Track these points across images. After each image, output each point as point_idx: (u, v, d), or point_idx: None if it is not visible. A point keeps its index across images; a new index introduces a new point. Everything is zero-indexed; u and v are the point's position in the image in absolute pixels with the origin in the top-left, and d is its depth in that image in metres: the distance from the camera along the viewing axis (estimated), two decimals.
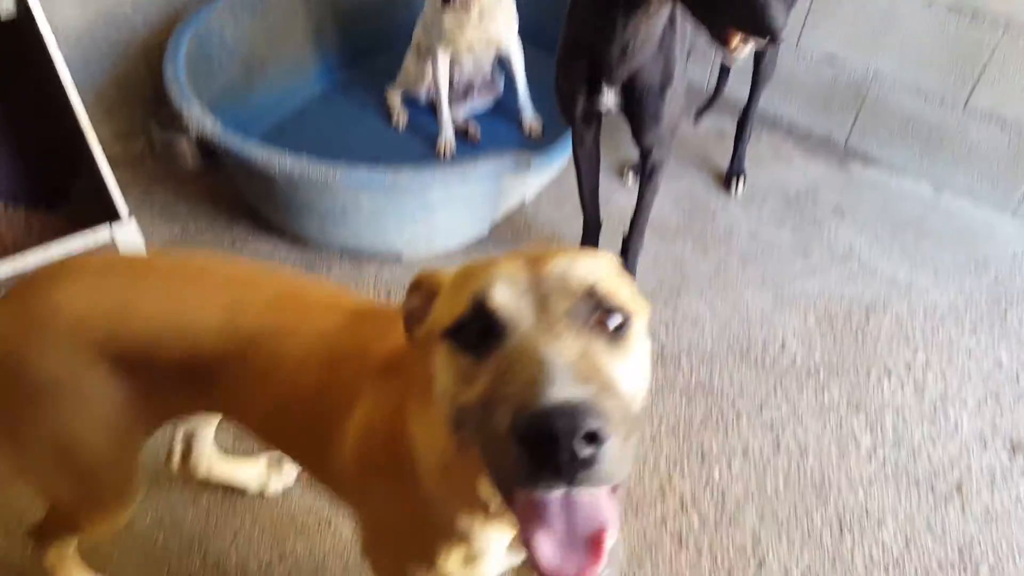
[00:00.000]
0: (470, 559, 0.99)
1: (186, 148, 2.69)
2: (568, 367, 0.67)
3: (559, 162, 2.41)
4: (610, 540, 0.71)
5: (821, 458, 1.89)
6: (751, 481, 1.83)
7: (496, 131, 2.90)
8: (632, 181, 2.76)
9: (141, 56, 2.69)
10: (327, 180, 2.09)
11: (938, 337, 2.23)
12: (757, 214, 2.64)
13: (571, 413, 0.62)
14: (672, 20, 1.84)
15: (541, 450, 0.62)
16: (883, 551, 1.70)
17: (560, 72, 2.02)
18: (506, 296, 0.75)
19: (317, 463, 1.19)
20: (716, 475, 1.84)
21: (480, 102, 2.94)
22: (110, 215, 2.23)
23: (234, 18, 2.68)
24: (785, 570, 1.65)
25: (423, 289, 0.91)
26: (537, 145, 2.65)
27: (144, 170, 2.70)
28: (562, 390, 0.64)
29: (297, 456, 1.24)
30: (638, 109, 1.95)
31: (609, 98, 1.95)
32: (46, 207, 2.38)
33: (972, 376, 2.12)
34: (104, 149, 2.15)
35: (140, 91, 2.75)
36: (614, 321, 0.76)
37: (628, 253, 2.30)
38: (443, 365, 0.79)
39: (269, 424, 1.19)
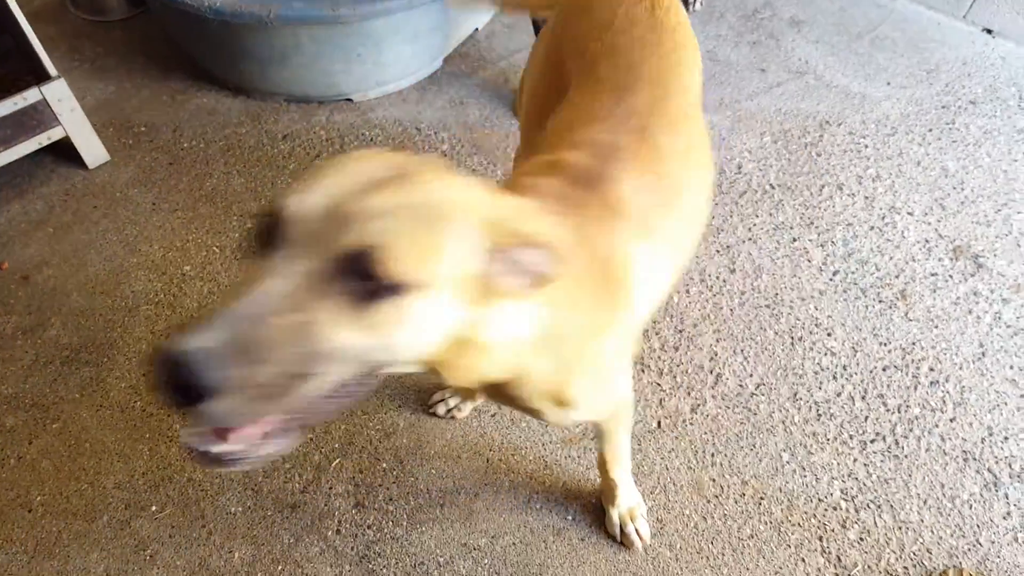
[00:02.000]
0: None
1: None
2: (234, 318, 0.59)
3: None
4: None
5: (775, 276, 1.79)
6: (707, 304, 1.73)
7: None
8: None
9: None
10: (263, 18, 1.78)
11: (888, 148, 2.07)
12: (715, 31, 2.36)
13: (175, 364, 0.57)
14: None
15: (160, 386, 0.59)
16: (832, 358, 1.64)
17: None
18: (292, 212, 0.64)
19: None
20: (674, 299, 1.73)
21: None
22: (38, 75, 1.91)
23: None
24: (740, 383, 1.60)
25: None
26: None
27: (68, 23, 2.32)
28: (197, 339, 0.58)
29: None
30: None
31: None
32: None
33: (920, 185, 1.99)
34: (22, 3, 1.80)
35: None
36: (371, 287, 0.61)
37: None
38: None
39: None
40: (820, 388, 1.59)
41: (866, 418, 1.54)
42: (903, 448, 1.50)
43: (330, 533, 1.41)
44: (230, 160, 1.99)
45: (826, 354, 1.65)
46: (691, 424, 1.54)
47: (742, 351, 1.65)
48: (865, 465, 1.48)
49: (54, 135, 1.87)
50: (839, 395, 1.58)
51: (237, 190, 1.92)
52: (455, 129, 2.10)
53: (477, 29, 2.33)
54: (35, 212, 1.88)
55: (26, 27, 1.83)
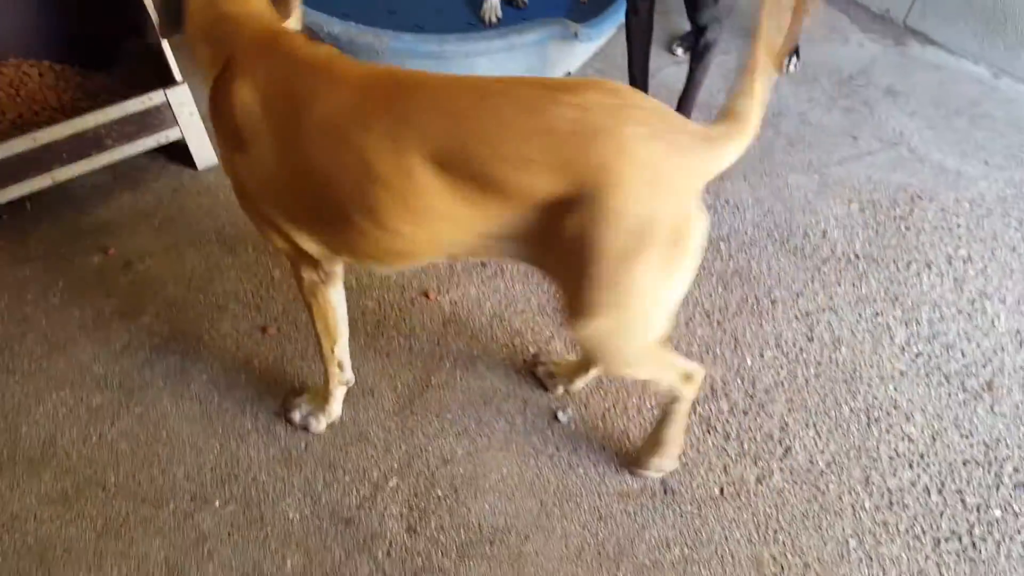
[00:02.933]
0: None
1: None
2: None
3: (608, 32, 2.02)
4: None
5: (854, 349, 1.65)
6: (782, 370, 1.61)
7: None
8: (682, 53, 2.35)
9: None
10: (376, 46, 1.77)
11: (982, 230, 1.91)
12: (807, 94, 2.24)
13: None
14: None
15: None
16: (909, 444, 1.50)
17: None
18: None
19: None
20: (748, 362, 1.62)
21: None
22: (163, 79, 1.95)
23: None
24: (811, 458, 1.47)
25: None
26: (585, 13, 2.24)
27: None
28: None
29: None
30: None
31: None
32: (95, 68, 2.10)
33: (1014, 272, 1.82)
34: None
35: None
36: None
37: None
38: None
39: None
40: (894, 475, 1.45)
41: (941, 513, 1.39)
42: (980, 551, 1.34)
43: (380, 554, 1.34)
44: None
45: (903, 439, 1.50)
46: (755, 496, 1.41)
47: (815, 425, 1.52)
48: (937, 564, 1.32)
49: (171, 136, 1.89)
50: (914, 485, 1.43)
51: None
52: None
53: (569, 73, 2.28)
54: (144, 204, 1.91)
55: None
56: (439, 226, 1.00)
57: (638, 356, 1.13)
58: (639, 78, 1.94)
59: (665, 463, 1.41)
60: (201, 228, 1.85)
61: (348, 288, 1.73)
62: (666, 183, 0.93)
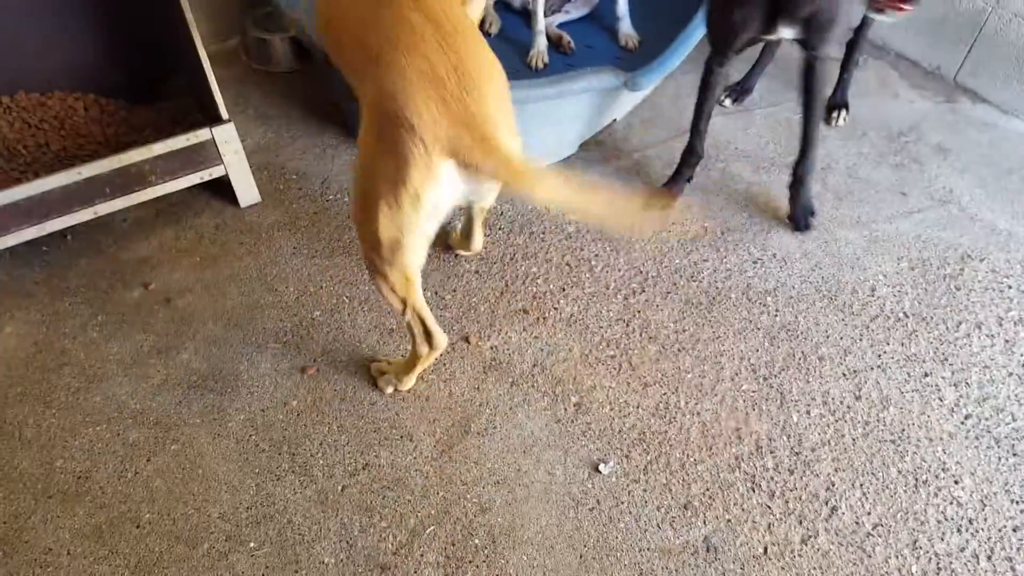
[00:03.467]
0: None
1: (279, 48, 2.56)
2: None
3: (656, 82, 2.21)
4: None
5: (903, 410, 1.77)
6: (829, 428, 1.72)
7: (590, 43, 2.67)
8: (730, 104, 2.54)
9: None
10: None
11: None
12: (856, 149, 2.41)
13: None
14: None
15: None
16: (958, 509, 1.60)
17: (723, 5, 1.87)
18: None
19: None
20: (794, 419, 1.74)
21: (575, 11, 2.71)
22: (209, 115, 2.15)
23: None
24: (857, 519, 1.57)
25: None
26: (634, 60, 2.44)
27: (238, 69, 2.61)
28: None
29: None
30: (814, 36, 1.84)
31: (785, 32, 1.83)
32: (142, 102, 2.32)
33: None
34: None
35: None
36: None
37: (802, 175, 2.12)
38: None
39: None
40: (943, 539, 1.55)
41: None
42: None
43: None
44: None
45: (952, 503, 1.61)
46: (799, 556, 1.52)
47: (861, 485, 1.63)
48: None
49: (215, 172, 2.08)
50: (963, 550, 1.53)
51: None
52: None
53: (615, 120, 2.47)
54: (186, 240, 2.09)
55: (208, 71, 2.07)
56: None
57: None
58: (703, 133, 2.14)
59: (389, 389, 1.79)
60: (242, 265, 2.03)
61: (388, 332, 1.89)
62: None
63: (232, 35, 2.69)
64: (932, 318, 1.97)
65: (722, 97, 2.57)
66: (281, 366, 1.81)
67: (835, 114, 2.48)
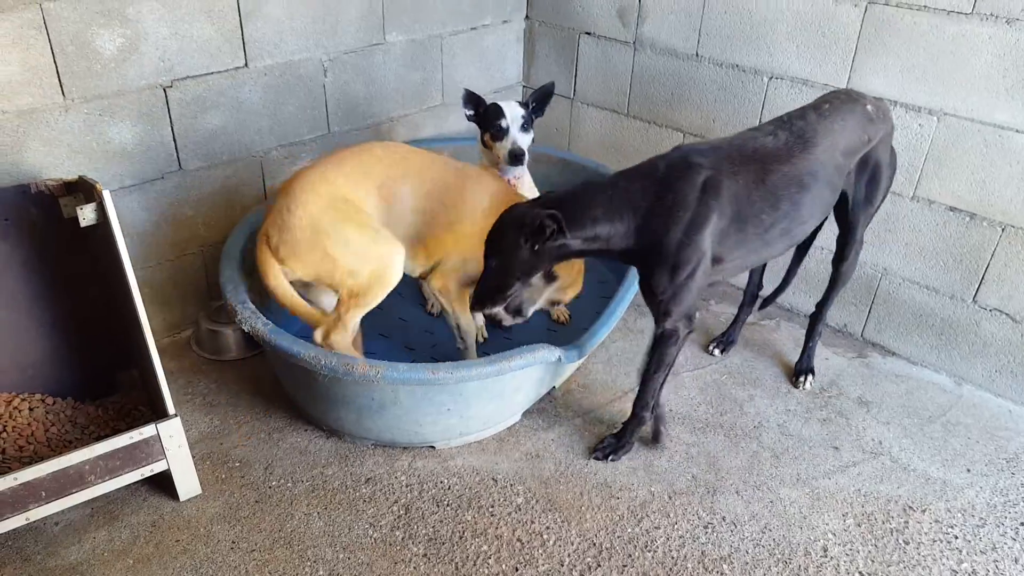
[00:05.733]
0: None
1: (231, 339, 2.72)
2: None
3: (588, 352, 2.41)
4: None
5: None
6: None
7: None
8: (719, 353, 2.84)
9: (198, 253, 2.80)
10: (371, 377, 2.09)
11: (980, 541, 2.10)
12: (784, 406, 2.59)
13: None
14: None
15: None
16: None
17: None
18: None
19: None
20: None
21: None
22: (156, 410, 2.21)
23: None
24: None
25: None
26: (567, 333, 2.67)
27: (188, 359, 2.72)
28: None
29: None
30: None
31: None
32: (91, 399, 2.38)
33: None
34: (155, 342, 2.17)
35: (194, 286, 2.83)
36: None
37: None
38: None
39: None
40: None
41: None
42: None
43: None
44: (313, 501, 2.15)
45: None
46: None
47: None
48: None
49: (156, 468, 2.08)
50: None
51: (315, 534, 2.04)
52: (530, 483, 2.25)
53: (555, 387, 2.63)
54: (119, 541, 2.02)
55: (158, 366, 2.16)
56: None
57: None
58: (659, 402, 2.34)
59: None
60: (177, 566, 1.94)
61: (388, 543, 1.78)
62: None
63: (186, 327, 2.85)
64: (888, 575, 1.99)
65: (711, 347, 2.83)
66: None
67: (802, 379, 2.69)
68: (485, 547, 2.04)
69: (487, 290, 2.15)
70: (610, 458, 2.34)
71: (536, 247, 1.99)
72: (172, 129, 2.58)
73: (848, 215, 2.39)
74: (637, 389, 2.31)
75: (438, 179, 2.42)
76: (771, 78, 2.89)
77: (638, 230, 1.99)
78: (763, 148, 2.06)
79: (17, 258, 2.22)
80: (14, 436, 2.17)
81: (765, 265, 2.70)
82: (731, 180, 1.98)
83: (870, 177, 2.31)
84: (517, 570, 1.97)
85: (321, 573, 1.93)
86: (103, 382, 2.42)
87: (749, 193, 2.00)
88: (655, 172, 2.01)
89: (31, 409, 2.25)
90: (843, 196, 2.31)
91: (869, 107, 2.23)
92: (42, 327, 2.31)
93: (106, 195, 1.98)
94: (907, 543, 2.09)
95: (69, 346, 2.35)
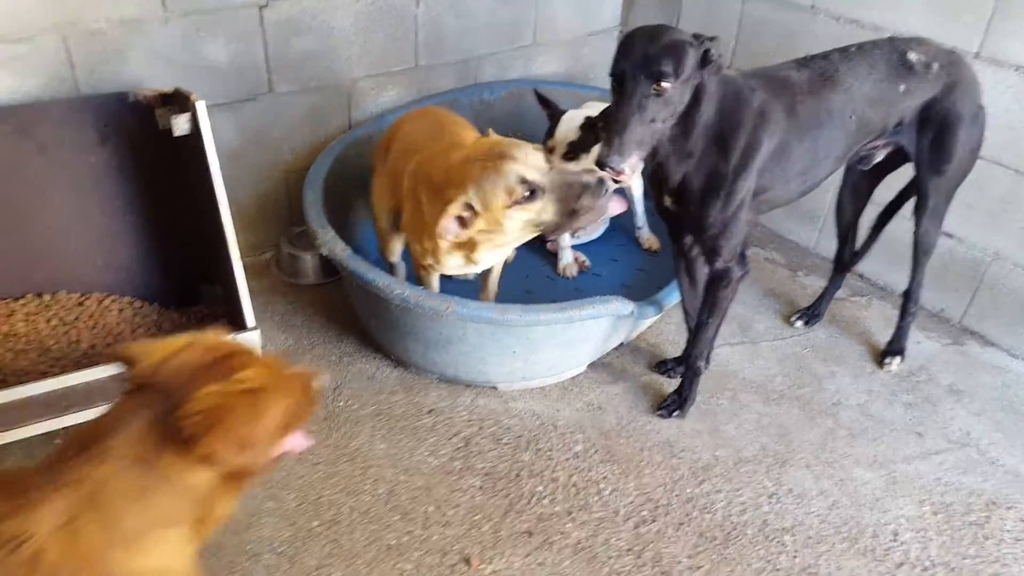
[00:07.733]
0: None
1: (309, 264, 2.81)
2: None
3: (664, 311, 2.38)
4: None
5: None
6: None
7: (615, 256, 3.08)
8: (802, 325, 2.77)
9: (283, 178, 2.88)
10: (441, 311, 2.12)
11: None
12: (867, 386, 2.50)
13: None
14: None
15: None
16: None
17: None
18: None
19: None
20: None
21: (585, 237, 3.08)
22: (236, 322, 2.31)
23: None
24: None
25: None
26: (643, 290, 2.65)
27: (268, 280, 2.83)
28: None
29: None
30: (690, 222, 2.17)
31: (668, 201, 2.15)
32: (176, 307, 2.51)
33: None
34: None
35: (277, 209, 2.93)
36: None
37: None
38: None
39: None
40: None
41: None
42: None
43: None
44: (377, 424, 2.23)
45: None
46: None
47: None
48: None
49: None
50: None
51: (378, 455, 2.12)
52: (590, 432, 2.26)
53: (623, 343, 2.61)
54: None
55: (242, 282, 2.26)
56: None
57: None
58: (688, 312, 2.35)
59: None
60: None
61: (386, 548, 1.87)
62: None
63: (267, 249, 2.96)
64: (961, 568, 1.92)
65: (794, 319, 2.76)
66: None
67: (890, 359, 2.58)
68: (540, 488, 2.07)
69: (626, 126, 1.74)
70: (675, 414, 2.32)
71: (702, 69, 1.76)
72: (265, 50, 2.64)
73: (916, 177, 2.27)
74: (689, 338, 2.30)
75: None
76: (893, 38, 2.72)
77: (705, 138, 1.90)
78: (790, 80, 2.02)
79: (114, 165, 2.35)
80: (103, 334, 2.32)
81: (856, 233, 2.59)
82: (777, 107, 1.94)
83: (934, 137, 2.15)
84: (570, 513, 2.00)
85: (381, 491, 2.01)
86: (188, 293, 2.55)
87: (787, 123, 1.96)
88: (721, 93, 1.91)
89: (120, 310, 2.40)
90: (907, 155, 2.22)
91: (912, 56, 2.08)
92: (134, 233, 2.44)
93: (200, 106, 2.06)
94: (987, 538, 2.00)
95: (158, 254, 2.49)
